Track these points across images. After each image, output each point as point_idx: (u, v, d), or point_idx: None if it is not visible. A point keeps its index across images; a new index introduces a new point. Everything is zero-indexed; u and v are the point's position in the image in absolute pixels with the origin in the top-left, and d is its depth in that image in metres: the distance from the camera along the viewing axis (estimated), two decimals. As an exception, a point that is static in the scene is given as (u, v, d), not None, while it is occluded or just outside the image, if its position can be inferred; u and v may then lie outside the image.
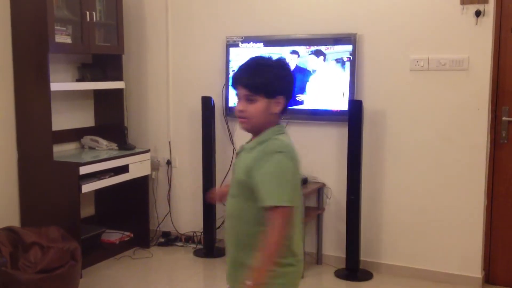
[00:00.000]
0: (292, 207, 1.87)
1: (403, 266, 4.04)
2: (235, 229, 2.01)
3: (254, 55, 2.05)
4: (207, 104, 4.34)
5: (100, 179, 4.11)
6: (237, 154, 2.06)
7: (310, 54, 4.09)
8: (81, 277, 3.87)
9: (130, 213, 4.69)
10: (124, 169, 4.30)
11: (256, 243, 1.88)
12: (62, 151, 4.38)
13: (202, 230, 4.53)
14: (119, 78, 4.52)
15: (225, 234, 2.07)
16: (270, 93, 1.93)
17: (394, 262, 4.08)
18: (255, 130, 1.98)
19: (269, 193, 1.84)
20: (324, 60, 4.04)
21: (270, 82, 1.92)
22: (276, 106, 1.95)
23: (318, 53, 4.06)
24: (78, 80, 4.47)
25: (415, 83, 3.90)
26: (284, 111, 2.00)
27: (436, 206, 3.92)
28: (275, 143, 1.92)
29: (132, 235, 4.64)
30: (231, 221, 2.02)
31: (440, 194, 3.90)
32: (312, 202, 4.25)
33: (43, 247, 3.27)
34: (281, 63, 1.99)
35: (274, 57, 2.06)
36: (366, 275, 4.04)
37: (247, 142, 2.04)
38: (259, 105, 1.93)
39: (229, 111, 4.42)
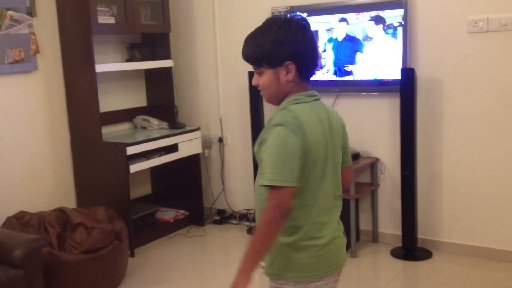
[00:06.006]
0: (291, 188, 1.68)
1: (464, 244, 3.79)
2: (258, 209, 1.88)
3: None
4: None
5: (149, 158, 4.13)
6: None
7: (369, 20, 3.83)
8: (133, 256, 3.95)
9: (185, 191, 4.70)
10: (173, 148, 4.29)
11: None
12: (115, 131, 4.44)
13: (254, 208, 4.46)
14: (167, 56, 4.49)
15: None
16: (272, 62, 1.74)
17: (453, 240, 3.83)
18: (276, 102, 1.84)
19: (266, 171, 1.69)
20: (384, 28, 3.78)
21: (268, 50, 1.73)
22: (287, 73, 1.75)
23: (378, 20, 3.80)
24: (127, 61, 4.49)
25: (473, 46, 3.57)
26: (304, 76, 1.80)
27: (497, 180, 3.62)
28: (280, 114, 1.75)
29: (187, 214, 4.66)
30: (257, 202, 1.90)
31: (501, 167, 3.59)
32: (366, 178, 4.05)
33: (88, 227, 3.32)
34: (284, 25, 1.74)
35: (289, 17, 1.80)
36: (424, 254, 3.83)
37: None
38: (267, 77, 1.77)
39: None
